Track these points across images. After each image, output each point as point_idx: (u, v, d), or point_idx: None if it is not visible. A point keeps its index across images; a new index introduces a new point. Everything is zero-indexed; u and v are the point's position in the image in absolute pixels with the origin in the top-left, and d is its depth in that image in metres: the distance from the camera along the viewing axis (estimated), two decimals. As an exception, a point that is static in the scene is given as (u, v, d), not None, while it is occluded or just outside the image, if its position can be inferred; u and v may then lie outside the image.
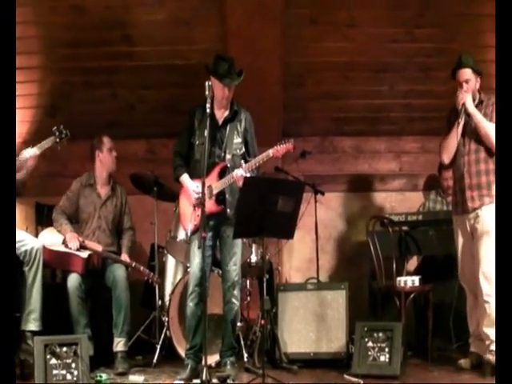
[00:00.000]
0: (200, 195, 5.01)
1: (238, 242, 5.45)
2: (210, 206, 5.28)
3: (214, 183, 5.35)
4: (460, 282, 5.66)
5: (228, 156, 5.42)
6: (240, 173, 5.22)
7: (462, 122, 5.45)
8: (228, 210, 5.31)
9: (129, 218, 6.32)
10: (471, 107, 5.41)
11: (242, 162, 5.35)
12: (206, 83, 5.10)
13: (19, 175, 5.47)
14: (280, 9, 6.70)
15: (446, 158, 5.62)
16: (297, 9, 6.78)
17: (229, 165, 5.40)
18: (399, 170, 7.91)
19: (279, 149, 5.26)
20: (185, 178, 5.50)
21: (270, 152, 5.26)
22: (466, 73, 5.49)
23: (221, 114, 5.50)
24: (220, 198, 5.38)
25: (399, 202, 7.77)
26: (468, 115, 5.43)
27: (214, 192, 5.34)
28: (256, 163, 5.28)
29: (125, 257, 6.05)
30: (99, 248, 5.95)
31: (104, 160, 6.20)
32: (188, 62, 7.21)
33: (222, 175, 5.39)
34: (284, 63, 7.17)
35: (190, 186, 5.40)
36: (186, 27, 6.98)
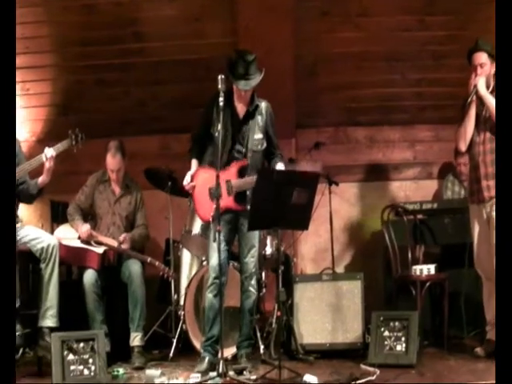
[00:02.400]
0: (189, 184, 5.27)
1: (256, 233, 5.46)
2: (229, 202, 5.32)
3: (234, 180, 5.35)
4: (476, 270, 5.63)
5: (249, 154, 5.41)
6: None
7: (473, 102, 5.39)
8: (248, 207, 5.27)
9: (142, 215, 6.33)
10: (483, 90, 5.35)
11: (280, 163, 5.39)
12: (219, 77, 5.07)
13: (41, 179, 5.53)
14: (291, 2, 6.70)
15: (463, 146, 5.56)
16: (308, 1, 6.78)
17: (249, 162, 5.39)
18: (413, 158, 7.88)
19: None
20: (193, 163, 5.55)
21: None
22: (482, 56, 5.42)
23: (241, 107, 5.47)
24: (240, 195, 5.38)
25: (414, 190, 7.75)
26: (479, 98, 5.39)
27: (234, 189, 5.35)
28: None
29: (123, 236, 6.03)
30: (115, 244, 5.98)
31: (107, 162, 6.23)
32: (199, 56, 7.22)
33: (241, 173, 5.38)
34: (296, 55, 7.17)
35: (189, 171, 5.48)
36: (197, 22, 7.00)
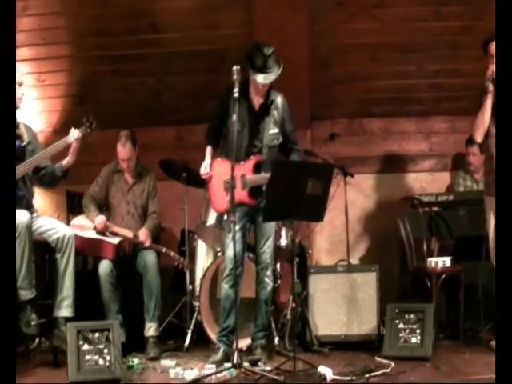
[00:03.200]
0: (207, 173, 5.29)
1: (272, 224, 5.47)
2: (243, 196, 5.31)
3: (249, 175, 5.34)
4: (492, 262, 5.60)
5: (265, 149, 5.40)
6: None
7: (490, 93, 5.29)
8: (263, 202, 5.23)
9: (154, 203, 6.32)
10: None
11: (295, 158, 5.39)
12: (234, 68, 5.02)
13: (66, 161, 5.60)
14: (306, -7, 6.70)
15: (479, 136, 5.49)
16: (323, -8, 6.78)
17: (265, 158, 5.38)
18: (429, 150, 7.83)
19: None
20: (208, 150, 5.57)
21: None
22: None
23: (257, 100, 5.45)
24: (255, 190, 5.37)
25: (429, 182, 7.70)
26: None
27: (249, 185, 5.34)
28: None
29: (142, 232, 6.04)
30: (130, 234, 6.00)
31: (118, 151, 6.23)
32: (215, 47, 7.24)
33: (257, 168, 5.38)
34: (311, 47, 7.16)
35: (204, 161, 5.48)
36: (212, 13, 7.02)
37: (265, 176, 5.21)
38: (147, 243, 5.98)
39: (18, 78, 5.33)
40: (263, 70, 5.23)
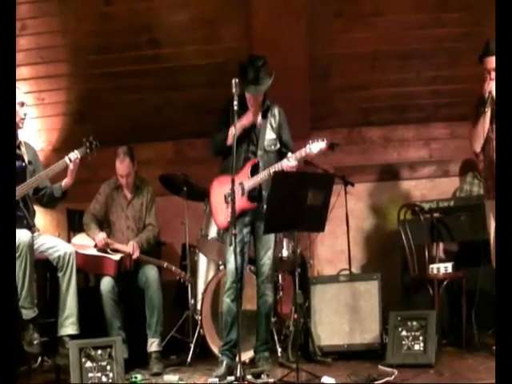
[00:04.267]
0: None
1: (272, 235, 5.46)
2: (243, 203, 5.32)
3: (246, 180, 5.36)
4: (494, 266, 5.59)
5: (259, 152, 5.43)
6: (288, 164, 5.20)
7: (488, 111, 5.30)
8: (265, 206, 5.26)
9: (151, 215, 6.29)
10: None
11: (290, 153, 5.31)
12: (233, 81, 5.07)
13: (65, 182, 5.61)
14: (304, 4, 6.76)
15: (478, 147, 5.49)
16: (321, 3, 6.82)
17: (261, 161, 5.40)
18: (429, 157, 7.83)
19: (313, 148, 5.24)
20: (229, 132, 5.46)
21: (303, 151, 5.24)
22: (494, 61, 5.17)
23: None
24: (253, 194, 5.39)
25: (430, 189, 7.69)
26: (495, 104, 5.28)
27: (246, 189, 5.36)
28: (299, 155, 5.25)
29: (130, 244, 5.99)
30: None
31: (116, 168, 6.22)
32: (214, 61, 7.28)
33: (253, 171, 5.39)
34: (309, 57, 7.20)
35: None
36: (211, 27, 7.07)
37: (259, 179, 5.28)
38: (135, 255, 5.94)
39: (19, 99, 5.37)
40: (254, 81, 5.28)
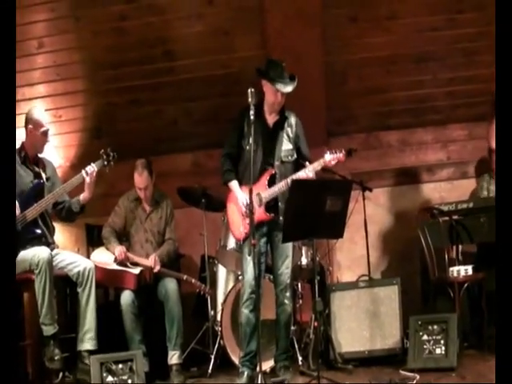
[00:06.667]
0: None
1: (289, 244, 5.44)
2: (260, 214, 5.32)
3: (263, 191, 5.36)
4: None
5: (277, 162, 5.42)
6: (305, 175, 5.24)
7: None
8: (280, 218, 5.28)
9: (171, 229, 6.33)
10: None
11: (307, 163, 5.34)
12: (249, 90, 5.04)
13: (83, 196, 5.71)
14: (318, 11, 6.75)
15: (494, 143, 5.49)
16: (335, 9, 6.81)
17: (278, 172, 5.40)
18: (447, 159, 7.75)
19: (331, 159, 5.26)
20: (234, 185, 5.48)
21: (322, 162, 5.28)
22: None
23: (272, 119, 5.49)
24: (270, 204, 5.39)
25: (448, 191, 7.62)
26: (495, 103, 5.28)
27: (264, 200, 5.36)
28: (317, 166, 5.30)
29: (151, 258, 6.01)
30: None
31: (135, 180, 6.25)
32: (229, 70, 7.29)
33: (270, 182, 5.39)
34: (325, 63, 7.18)
35: (240, 196, 5.39)
36: (226, 37, 7.07)
37: (276, 189, 5.29)
38: (156, 269, 5.97)
39: (45, 127, 5.63)
40: (281, 79, 5.28)
